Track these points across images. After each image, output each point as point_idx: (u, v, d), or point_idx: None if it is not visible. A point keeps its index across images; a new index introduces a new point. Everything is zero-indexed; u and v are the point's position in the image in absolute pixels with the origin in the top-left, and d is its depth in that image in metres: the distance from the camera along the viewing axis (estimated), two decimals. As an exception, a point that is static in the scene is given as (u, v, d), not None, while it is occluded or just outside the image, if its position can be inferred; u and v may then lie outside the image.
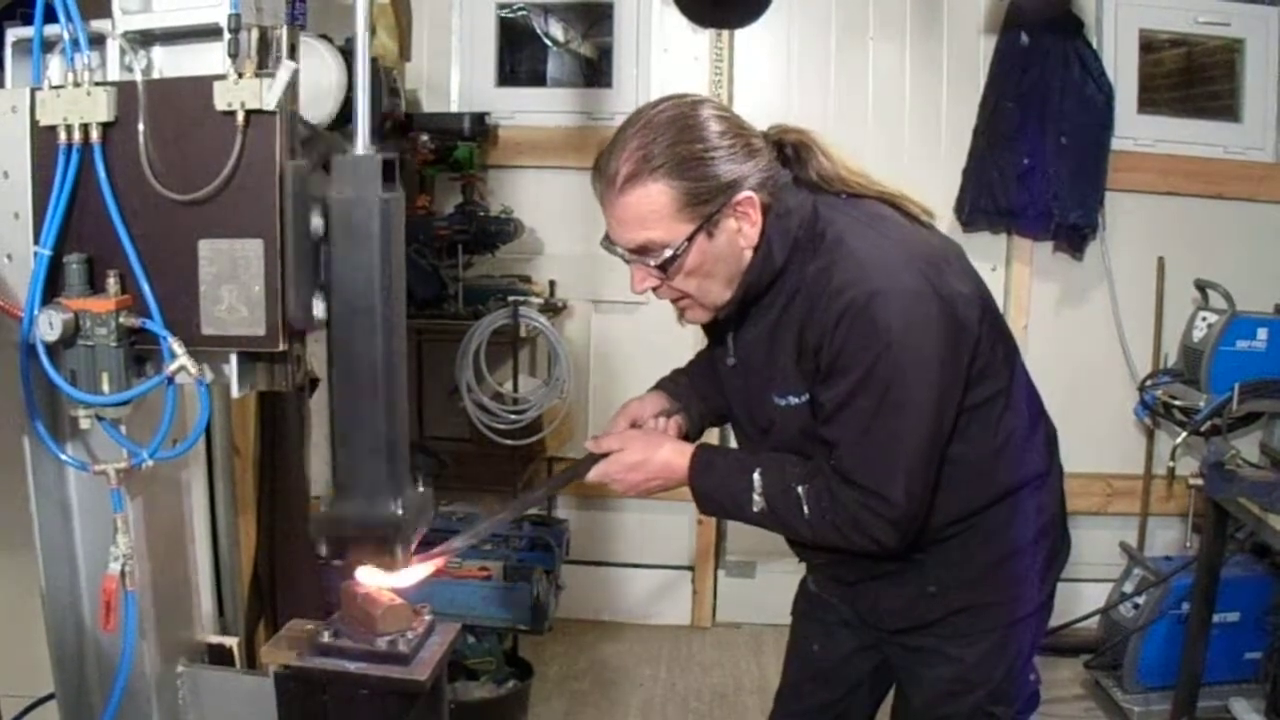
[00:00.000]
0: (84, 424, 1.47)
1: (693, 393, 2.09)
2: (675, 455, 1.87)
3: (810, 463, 1.78)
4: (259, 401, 2.92)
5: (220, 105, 1.37)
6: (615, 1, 4.26)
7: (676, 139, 1.66)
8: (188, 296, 1.43)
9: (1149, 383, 4.03)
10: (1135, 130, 4.13)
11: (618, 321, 4.31)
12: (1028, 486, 1.87)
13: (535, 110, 4.25)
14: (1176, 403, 3.83)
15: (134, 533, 1.53)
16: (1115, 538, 4.12)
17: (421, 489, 1.56)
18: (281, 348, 1.42)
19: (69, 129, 1.42)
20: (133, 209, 1.43)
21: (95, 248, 1.45)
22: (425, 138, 3.77)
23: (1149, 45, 4.21)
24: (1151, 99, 4.22)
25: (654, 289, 1.77)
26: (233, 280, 1.41)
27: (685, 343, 4.05)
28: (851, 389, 1.66)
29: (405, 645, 1.54)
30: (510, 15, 4.49)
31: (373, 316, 1.41)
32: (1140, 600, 3.73)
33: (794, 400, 1.78)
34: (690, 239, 1.68)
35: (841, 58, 4.15)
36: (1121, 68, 4.09)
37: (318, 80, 2.64)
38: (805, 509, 1.75)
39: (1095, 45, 4.03)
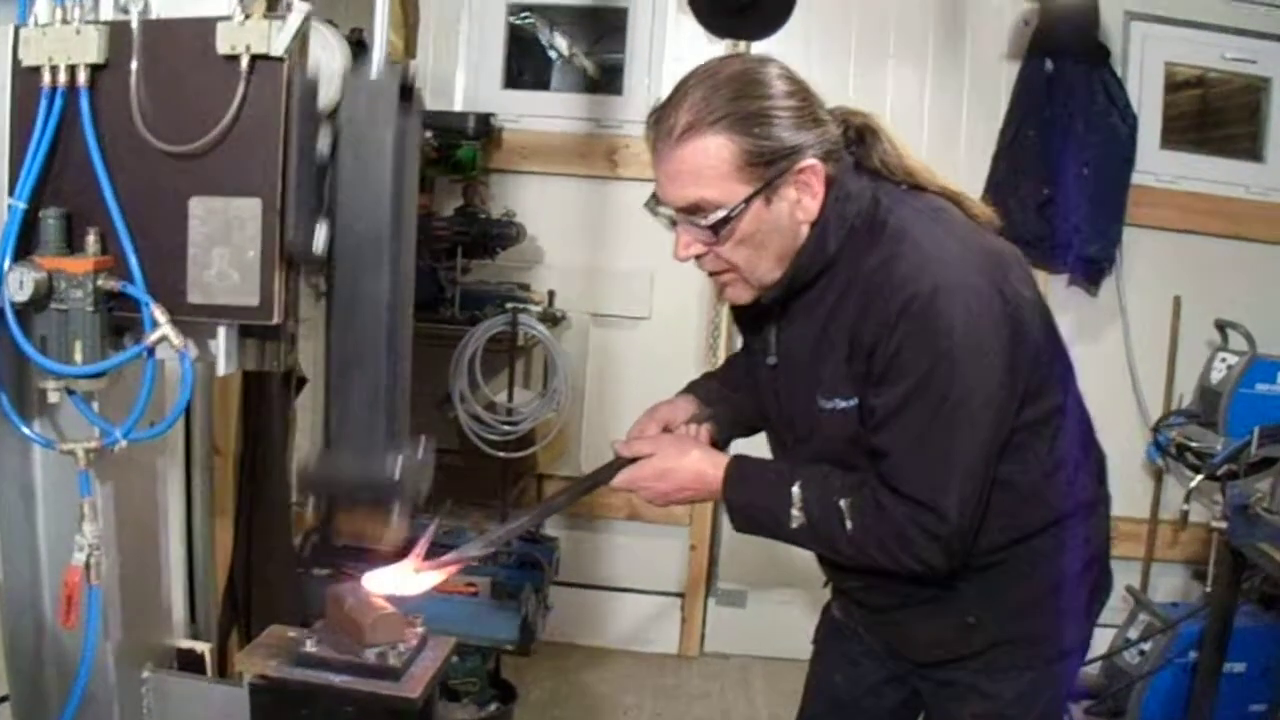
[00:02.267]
0: (53, 397, 1.35)
1: (724, 399, 1.97)
2: (708, 465, 1.76)
3: (854, 475, 1.66)
4: (243, 399, 2.80)
5: (223, 49, 1.27)
6: (630, 8, 4.16)
7: (740, 93, 1.55)
8: (174, 260, 1.31)
9: (1164, 423, 3.92)
10: (1157, 166, 4.04)
11: (617, 336, 4.20)
12: (1077, 514, 1.76)
13: (542, 115, 4.15)
14: (1192, 444, 3.72)
15: (102, 521, 1.42)
16: (1119, 582, 3.99)
17: (423, 450, 1.43)
18: (276, 320, 1.29)
19: (54, 71, 1.32)
20: (119, 160, 1.32)
21: (75, 202, 1.34)
22: (428, 135, 3.65)
23: (1172, 85, 4.14)
24: (1174, 136, 4.14)
25: (698, 257, 1.65)
26: (225, 243, 1.29)
27: (686, 360, 4.00)
28: (908, 394, 1.55)
29: (396, 659, 1.42)
30: (518, 23, 4.39)
31: (380, 249, 1.30)
32: (1146, 647, 3.63)
33: (841, 404, 1.65)
34: (747, 202, 1.56)
35: (860, 77, 4.05)
36: (1145, 102, 4.02)
37: (323, 65, 2.53)
38: (848, 524, 1.63)
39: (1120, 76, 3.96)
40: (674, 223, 1.64)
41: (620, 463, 1.80)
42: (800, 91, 1.60)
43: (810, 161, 1.57)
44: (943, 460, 1.57)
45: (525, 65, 4.59)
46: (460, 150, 3.73)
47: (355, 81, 1.30)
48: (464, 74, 4.19)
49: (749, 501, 1.72)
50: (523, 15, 4.42)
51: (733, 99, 1.54)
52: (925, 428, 1.55)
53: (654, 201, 1.65)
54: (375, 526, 1.38)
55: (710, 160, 1.55)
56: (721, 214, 1.57)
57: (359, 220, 1.28)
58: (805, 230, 1.62)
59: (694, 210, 1.58)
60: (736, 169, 1.55)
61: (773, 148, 1.55)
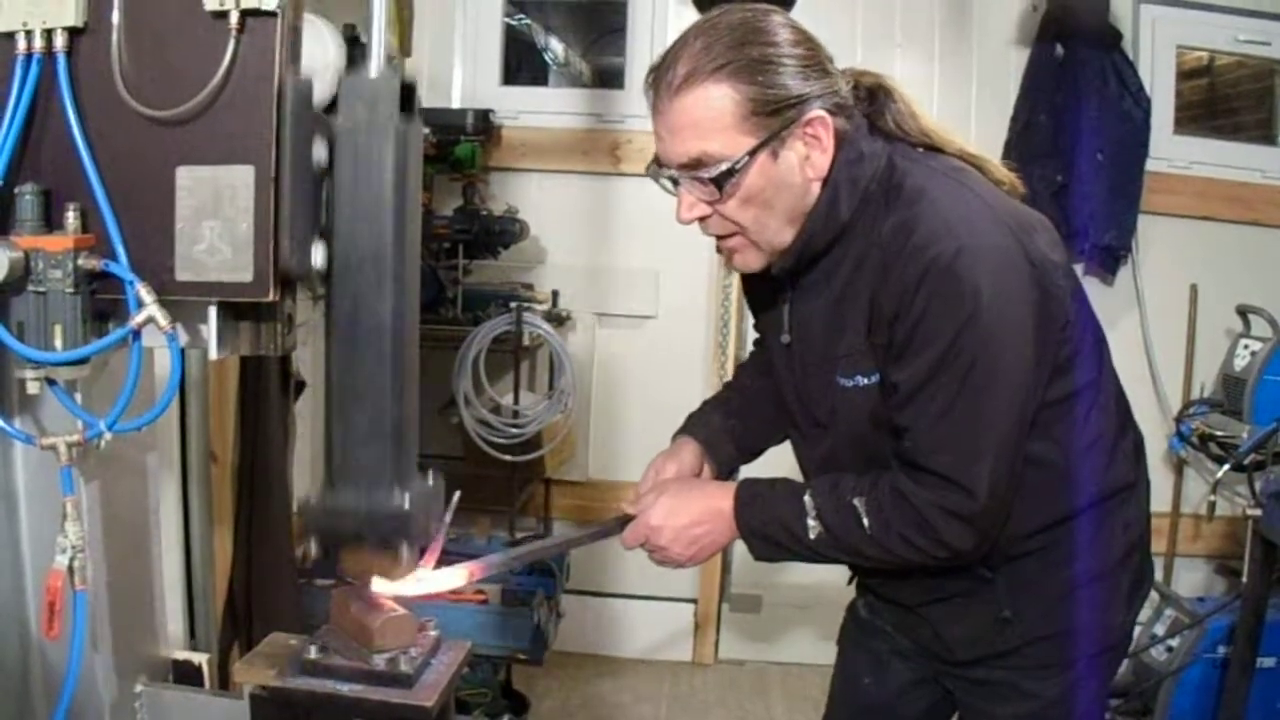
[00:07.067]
0: (32, 388, 1.25)
1: (724, 433, 1.88)
2: (718, 492, 1.68)
3: (866, 475, 1.57)
4: (240, 405, 2.70)
5: (210, 4, 1.17)
6: (629, 1, 4.06)
7: (743, 40, 1.46)
8: (161, 235, 1.22)
9: (1187, 413, 3.82)
10: (1170, 151, 3.95)
11: (623, 336, 4.10)
12: (1116, 497, 1.67)
13: (542, 111, 4.05)
14: (1217, 434, 3.62)
15: (87, 522, 1.31)
16: (1142, 578, 3.91)
17: (431, 480, 1.33)
18: (271, 297, 1.19)
19: (29, 35, 1.22)
20: (100, 130, 1.22)
21: (54, 177, 1.25)
22: (426, 131, 3.55)
23: (1181, 74, 4.05)
24: (1188, 118, 4.06)
25: (702, 219, 1.55)
26: (215, 215, 1.19)
27: (695, 359, 3.89)
28: (933, 363, 1.45)
29: (408, 664, 1.32)
30: (513, 24, 4.31)
31: (382, 266, 1.19)
32: (1173, 643, 3.52)
33: (862, 381, 1.56)
34: (752, 154, 1.47)
35: (866, 65, 3.95)
36: (1158, 86, 3.92)
37: (315, 58, 2.44)
38: (865, 522, 1.54)
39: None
40: (676, 183, 1.54)
41: (629, 518, 1.72)
42: (806, 41, 1.52)
43: (818, 113, 1.48)
44: (971, 432, 1.47)
45: (523, 62, 4.51)
46: (459, 147, 3.65)
47: (352, 83, 1.20)
48: (461, 70, 4.10)
49: (764, 521, 1.62)
50: (518, 17, 4.34)
51: (734, 46, 1.45)
52: (952, 398, 1.45)
53: (655, 164, 1.56)
54: (384, 564, 1.30)
55: (712, 110, 1.46)
56: (725, 167, 1.47)
57: (359, 236, 1.18)
58: (815, 189, 1.53)
59: (696, 165, 1.49)
60: (740, 119, 1.45)
61: (778, 96, 1.46)
